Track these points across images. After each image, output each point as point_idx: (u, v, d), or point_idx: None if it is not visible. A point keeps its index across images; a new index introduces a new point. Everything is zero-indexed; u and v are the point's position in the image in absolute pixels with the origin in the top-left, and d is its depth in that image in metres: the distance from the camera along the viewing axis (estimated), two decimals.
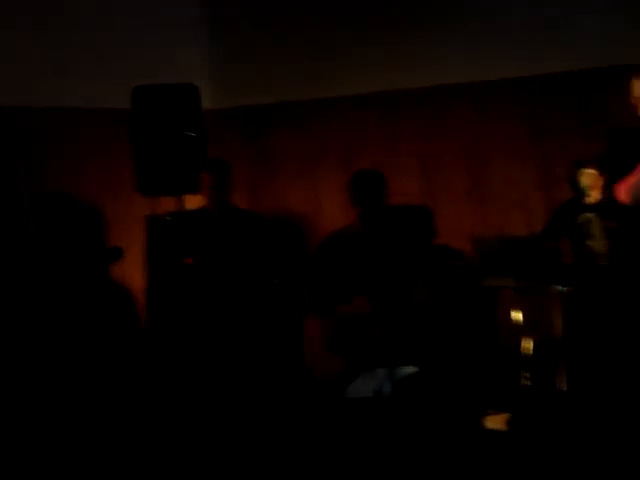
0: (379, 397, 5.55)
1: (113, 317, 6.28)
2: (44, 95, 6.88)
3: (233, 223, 6.44)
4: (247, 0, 7.69)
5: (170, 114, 6.14)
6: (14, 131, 6.94)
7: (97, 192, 7.03)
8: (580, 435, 4.88)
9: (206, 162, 6.27)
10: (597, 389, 5.41)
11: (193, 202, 6.47)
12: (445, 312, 6.00)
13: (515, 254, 5.78)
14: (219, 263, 6.24)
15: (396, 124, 7.24)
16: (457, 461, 4.65)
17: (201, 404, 5.63)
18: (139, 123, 6.15)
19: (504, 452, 4.79)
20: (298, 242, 7.19)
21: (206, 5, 7.64)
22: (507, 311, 5.74)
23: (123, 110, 6.17)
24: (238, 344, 6.06)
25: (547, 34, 6.73)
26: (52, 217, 6.37)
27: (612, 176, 4.63)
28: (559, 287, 5.58)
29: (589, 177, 6.16)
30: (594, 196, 6.16)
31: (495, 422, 5.23)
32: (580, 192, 6.22)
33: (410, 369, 5.68)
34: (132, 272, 6.74)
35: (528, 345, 5.59)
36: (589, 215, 6.14)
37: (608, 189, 5.85)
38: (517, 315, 5.68)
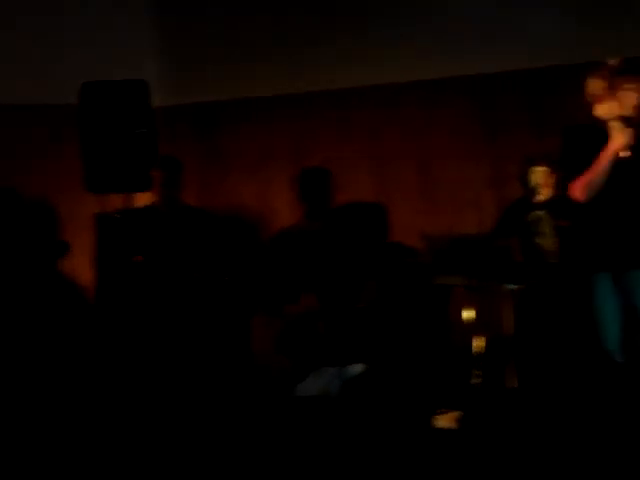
0: (328, 396, 5.55)
1: (60, 310, 6.23)
2: None
3: (183, 220, 6.41)
4: None
5: (119, 110, 6.09)
6: None
7: (46, 190, 6.95)
8: (530, 433, 4.90)
9: (157, 159, 6.23)
10: (547, 387, 5.44)
11: (143, 199, 6.43)
12: (396, 310, 6.01)
13: (466, 252, 5.78)
14: (169, 261, 6.21)
15: (347, 122, 7.23)
16: (407, 460, 4.65)
17: (149, 401, 5.59)
18: (88, 120, 6.09)
19: (454, 450, 4.79)
20: (250, 240, 7.16)
21: (156, 2, 7.58)
22: (459, 309, 5.75)
23: (74, 107, 6.12)
24: (187, 342, 6.03)
25: (499, 32, 6.74)
26: None
27: (566, 174, 4.63)
28: (510, 285, 5.60)
29: (540, 175, 6.17)
30: (545, 194, 6.17)
31: (445, 420, 5.23)
32: (531, 190, 6.23)
33: (359, 367, 5.68)
34: (82, 270, 6.68)
35: (480, 343, 5.59)
36: (539, 213, 6.15)
37: (560, 187, 5.88)
38: (469, 313, 5.69)
